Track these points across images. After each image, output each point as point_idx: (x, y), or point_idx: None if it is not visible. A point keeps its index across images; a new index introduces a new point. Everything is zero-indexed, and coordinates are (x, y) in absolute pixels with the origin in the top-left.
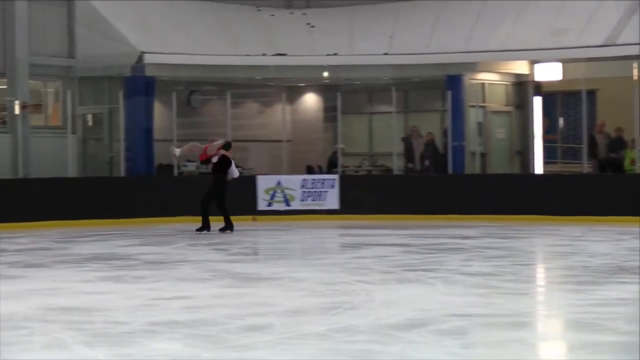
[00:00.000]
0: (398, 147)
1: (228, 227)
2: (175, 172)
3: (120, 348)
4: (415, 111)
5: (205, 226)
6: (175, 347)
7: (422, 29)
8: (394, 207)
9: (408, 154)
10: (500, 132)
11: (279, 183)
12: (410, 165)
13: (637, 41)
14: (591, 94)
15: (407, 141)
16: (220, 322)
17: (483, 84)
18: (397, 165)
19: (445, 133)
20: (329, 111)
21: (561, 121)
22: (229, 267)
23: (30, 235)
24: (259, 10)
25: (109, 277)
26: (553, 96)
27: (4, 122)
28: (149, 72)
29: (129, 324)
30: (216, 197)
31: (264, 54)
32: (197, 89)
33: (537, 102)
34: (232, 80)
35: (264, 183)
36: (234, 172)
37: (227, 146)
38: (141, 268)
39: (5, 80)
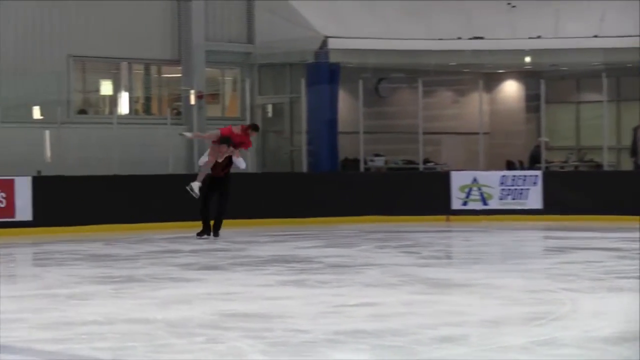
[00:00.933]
0: (609, 140)
1: (205, 231)
2: (362, 167)
3: (301, 358)
4: (628, 100)
5: (206, 230)
6: (361, 359)
7: (636, 8)
8: (603, 207)
9: (635, 147)
10: None
11: (475, 180)
12: (634, 159)
13: None
14: None
15: (637, 132)
16: (411, 332)
17: None
18: (607, 160)
19: None
20: (531, 100)
21: None
22: (419, 272)
23: (206, 235)
24: None
25: (289, 281)
26: None
27: (179, 114)
28: (333, 59)
29: (310, 333)
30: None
31: (459, 38)
32: (386, 77)
33: None
34: (424, 67)
35: (458, 180)
36: (241, 163)
37: (255, 128)
38: (324, 272)
39: (180, 68)
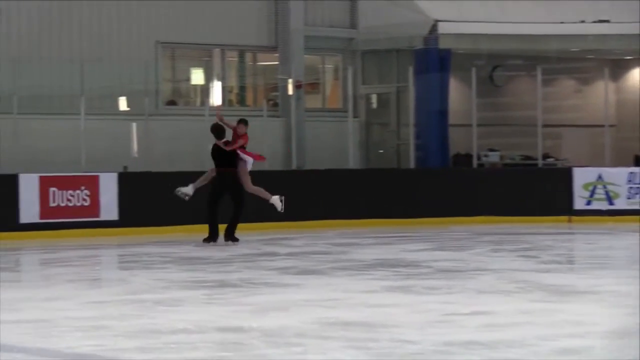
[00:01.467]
0: None
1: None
2: (475, 163)
3: None
4: None
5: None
6: None
7: None
8: None
9: None
10: None
11: (600, 177)
12: None
13: None
14: None
15: None
16: (528, 343)
17: None
18: None
19: None
20: None
21: None
22: (538, 278)
23: (305, 237)
24: None
25: (395, 287)
26: None
27: (276, 105)
28: (443, 44)
29: (418, 344)
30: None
31: (582, 21)
32: (501, 64)
33: None
34: (543, 53)
35: (581, 177)
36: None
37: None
38: (433, 277)
39: (277, 55)
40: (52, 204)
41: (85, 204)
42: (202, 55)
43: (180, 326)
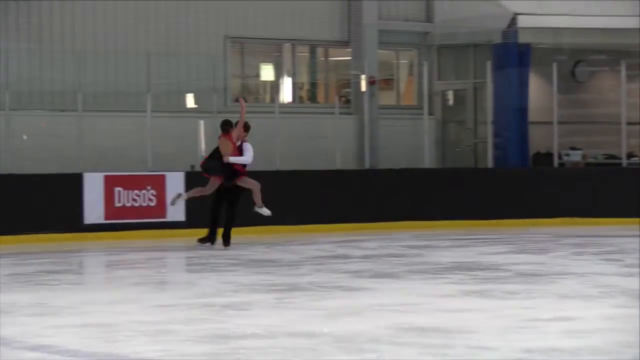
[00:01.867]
0: None
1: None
2: (556, 162)
3: None
4: None
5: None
6: None
7: None
8: None
9: None
10: None
11: None
12: None
13: None
14: None
15: None
16: (613, 350)
17: None
18: None
19: None
20: None
21: None
22: (622, 282)
23: (379, 239)
24: None
25: (473, 291)
26: None
27: (348, 102)
28: (523, 39)
29: (497, 350)
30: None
31: None
32: (583, 59)
33: None
34: (628, 47)
35: None
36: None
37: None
38: (513, 281)
39: (350, 50)
40: (117, 204)
41: (152, 204)
42: (272, 50)
43: (250, 331)
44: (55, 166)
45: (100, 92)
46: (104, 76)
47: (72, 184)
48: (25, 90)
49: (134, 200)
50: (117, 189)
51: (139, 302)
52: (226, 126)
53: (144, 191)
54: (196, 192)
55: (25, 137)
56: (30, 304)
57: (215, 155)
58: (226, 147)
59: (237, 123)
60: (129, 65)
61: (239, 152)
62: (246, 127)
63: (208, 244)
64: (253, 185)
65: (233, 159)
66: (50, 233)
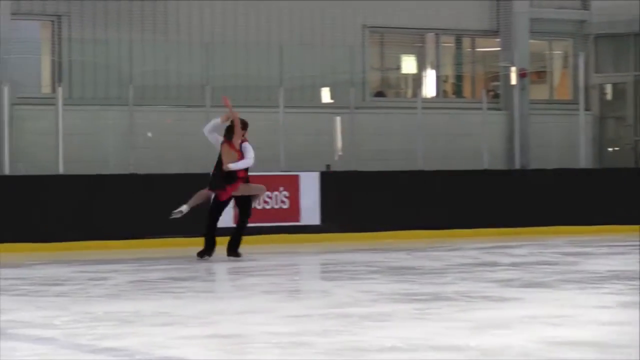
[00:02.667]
0: None
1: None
2: None
3: None
4: None
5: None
6: None
7: None
8: None
9: None
10: None
11: None
12: None
13: None
14: None
15: None
16: None
17: None
18: None
19: None
20: None
21: None
22: None
23: (529, 245)
24: None
25: (632, 302)
26: None
27: (497, 96)
28: None
29: None
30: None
31: None
32: None
33: None
34: None
35: None
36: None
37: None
38: None
39: (498, 40)
40: None
41: (284, 206)
42: (414, 40)
43: (389, 344)
44: (180, 166)
45: (229, 86)
46: (234, 69)
47: (201, 185)
48: (150, 84)
49: (266, 202)
50: None
51: (271, 312)
52: (229, 133)
53: (276, 192)
54: (198, 198)
55: (149, 134)
56: (154, 313)
57: (219, 168)
58: (230, 157)
59: (231, 127)
60: (260, 57)
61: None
62: (244, 125)
63: (206, 257)
64: (258, 190)
65: (233, 166)
66: (175, 237)
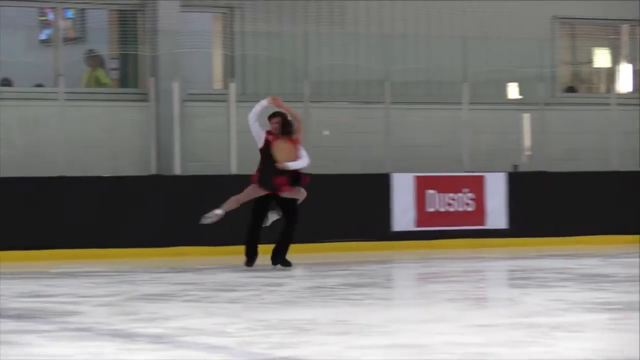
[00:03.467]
0: None
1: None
2: None
3: None
4: None
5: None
6: None
7: None
8: None
9: None
10: None
11: None
12: None
13: None
14: None
15: None
16: None
17: None
18: None
19: None
20: None
21: None
22: None
23: None
24: None
25: None
26: None
27: None
28: None
29: None
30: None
31: None
32: None
33: None
34: None
35: None
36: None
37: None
38: None
39: None
40: (429, 209)
41: (469, 209)
42: (608, 32)
43: (581, 356)
44: (359, 165)
45: (410, 82)
46: (415, 63)
47: (379, 186)
48: (326, 79)
49: (449, 204)
50: (429, 191)
51: (454, 321)
52: (290, 127)
53: (460, 194)
54: (232, 203)
55: (326, 132)
56: (331, 321)
57: (270, 165)
58: (289, 154)
59: (288, 122)
60: (443, 51)
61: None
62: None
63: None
64: (302, 194)
65: (293, 165)
66: (354, 241)
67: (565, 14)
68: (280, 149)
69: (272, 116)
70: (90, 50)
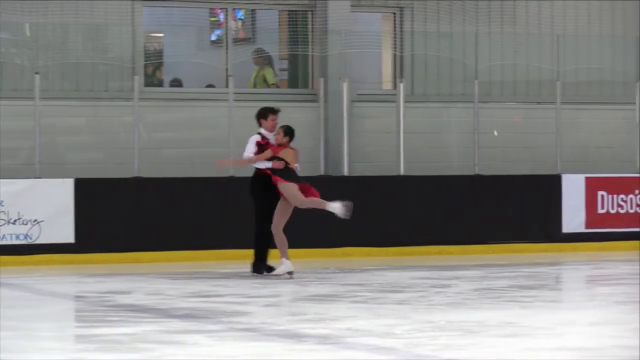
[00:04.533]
0: None
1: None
2: None
3: None
4: None
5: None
6: None
7: None
8: None
9: None
10: None
11: None
12: None
13: None
14: None
15: None
16: None
17: None
18: None
19: None
20: None
21: None
22: None
23: None
24: None
25: None
26: None
27: None
28: None
29: None
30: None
31: None
32: None
33: None
34: None
35: None
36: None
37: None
38: None
39: None
40: (600, 211)
41: None
42: None
43: None
44: (529, 166)
45: (582, 82)
46: (586, 63)
47: (549, 187)
48: (497, 79)
49: (620, 206)
50: (600, 192)
51: (624, 324)
52: (292, 136)
53: (631, 196)
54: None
55: (496, 133)
56: (499, 323)
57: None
58: (294, 159)
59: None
60: (615, 50)
61: None
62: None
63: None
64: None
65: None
66: (523, 243)
67: None
68: (289, 155)
69: (272, 112)
70: (258, 49)
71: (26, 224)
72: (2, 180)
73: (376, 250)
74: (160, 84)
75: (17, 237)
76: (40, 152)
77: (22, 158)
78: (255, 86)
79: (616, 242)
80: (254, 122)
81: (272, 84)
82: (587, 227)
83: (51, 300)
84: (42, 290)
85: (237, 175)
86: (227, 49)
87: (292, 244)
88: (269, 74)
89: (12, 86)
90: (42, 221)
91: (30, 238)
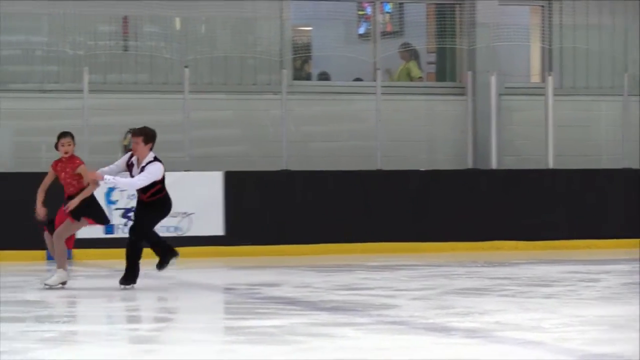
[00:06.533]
0: None
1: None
2: None
3: None
4: None
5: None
6: None
7: None
8: None
9: None
10: None
11: None
12: None
13: None
14: None
15: None
16: None
17: None
18: None
19: None
20: None
21: None
22: None
23: None
24: None
25: None
26: None
27: None
28: None
29: None
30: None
31: None
32: None
33: None
34: None
35: None
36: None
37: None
38: None
39: None
40: None
41: None
42: None
43: None
44: None
45: None
46: None
47: None
48: None
49: None
50: None
51: None
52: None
53: None
54: None
55: None
56: None
57: None
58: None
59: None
60: None
61: None
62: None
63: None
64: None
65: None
66: None
67: None
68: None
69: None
70: (405, 44)
71: (176, 217)
72: None
73: (524, 244)
74: (308, 77)
75: (168, 230)
76: (190, 145)
77: (172, 151)
78: (399, 80)
79: None
80: (403, 115)
81: (418, 77)
82: None
83: (201, 292)
84: (192, 282)
85: (383, 168)
86: (374, 42)
87: (440, 238)
88: (414, 68)
89: (162, 80)
90: (192, 214)
91: (181, 230)
